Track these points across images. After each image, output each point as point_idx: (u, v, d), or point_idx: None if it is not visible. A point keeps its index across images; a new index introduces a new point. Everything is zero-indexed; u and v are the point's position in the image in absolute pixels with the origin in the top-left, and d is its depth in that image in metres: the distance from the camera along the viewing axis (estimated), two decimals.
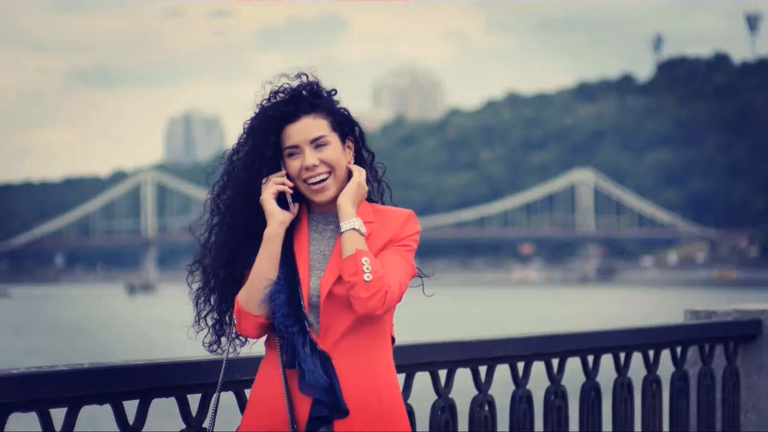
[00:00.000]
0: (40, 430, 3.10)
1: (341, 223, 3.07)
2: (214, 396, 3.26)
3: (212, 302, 3.19)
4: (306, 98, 3.16)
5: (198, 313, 3.20)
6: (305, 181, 3.14)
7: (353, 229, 3.06)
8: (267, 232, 3.11)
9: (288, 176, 3.16)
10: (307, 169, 3.12)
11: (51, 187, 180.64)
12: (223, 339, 3.21)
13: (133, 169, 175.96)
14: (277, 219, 3.11)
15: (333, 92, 3.21)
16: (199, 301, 3.19)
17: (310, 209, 3.21)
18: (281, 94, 3.16)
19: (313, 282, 3.11)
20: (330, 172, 3.14)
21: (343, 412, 3.02)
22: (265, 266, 3.09)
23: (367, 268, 3.00)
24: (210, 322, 3.20)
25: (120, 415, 3.23)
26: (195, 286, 3.20)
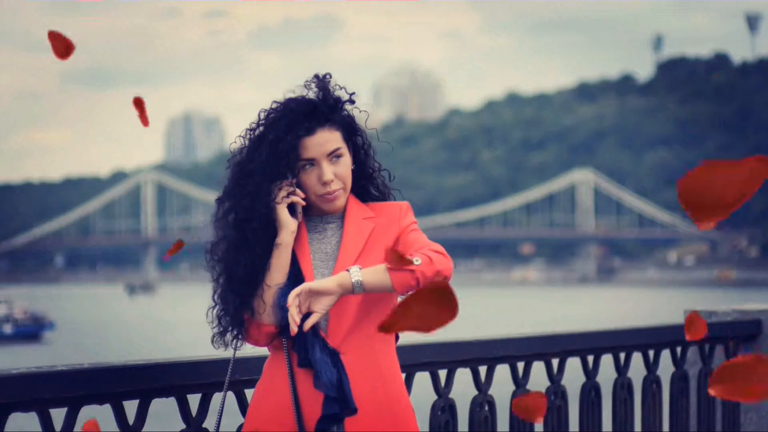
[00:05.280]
0: (40, 430, 3.10)
1: (351, 278, 3.02)
2: (221, 395, 3.26)
3: (225, 300, 3.18)
4: (322, 110, 3.17)
5: (215, 310, 3.19)
6: (319, 193, 3.17)
7: (358, 271, 3.04)
8: (279, 240, 3.14)
9: (298, 184, 3.18)
10: (324, 183, 3.15)
11: (51, 187, 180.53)
12: (227, 336, 3.21)
13: (133, 169, 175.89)
14: (289, 228, 3.15)
15: (350, 100, 3.23)
16: (216, 297, 3.19)
17: (307, 212, 3.24)
18: (299, 106, 3.16)
19: (317, 280, 3.12)
20: (343, 185, 3.19)
21: (352, 410, 3.04)
22: (276, 276, 3.12)
23: (408, 261, 3.01)
24: (220, 320, 3.19)
25: (120, 415, 3.23)
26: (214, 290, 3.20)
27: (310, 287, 3.01)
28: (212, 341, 3.18)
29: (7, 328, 47.92)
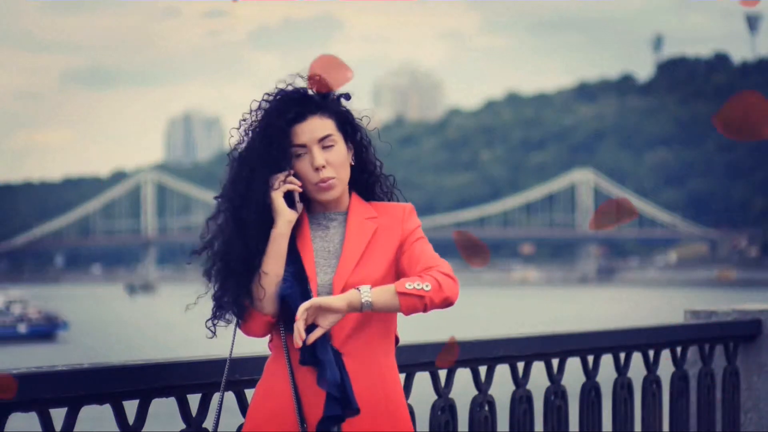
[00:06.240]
0: (40, 430, 3.10)
1: (361, 299, 3.02)
2: (217, 396, 3.26)
3: (223, 285, 3.17)
4: (313, 98, 3.18)
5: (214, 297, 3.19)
6: (314, 182, 3.16)
7: (369, 292, 3.03)
8: (275, 230, 3.14)
9: (294, 175, 3.18)
10: (317, 169, 3.14)
11: (51, 187, 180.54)
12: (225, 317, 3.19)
13: (133, 169, 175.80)
14: (285, 218, 3.14)
15: (346, 96, 3.23)
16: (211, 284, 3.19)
17: (310, 208, 3.23)
18: (290, 94, 3.18)
19: (321, 278, 3.14)
20: (337, 173, 3.17)
21: (355, 410, 3.04)
22: (272, 264, 3.12)
23: (417, 286, 3.03)
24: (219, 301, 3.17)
25: (120, 415, 3.23)
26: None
27: (320, 303, 2.99)
28: (206, 325, 3.18)
29: (22, 328, 48.20)
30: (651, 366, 4.98)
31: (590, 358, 4.68)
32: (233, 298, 3.14)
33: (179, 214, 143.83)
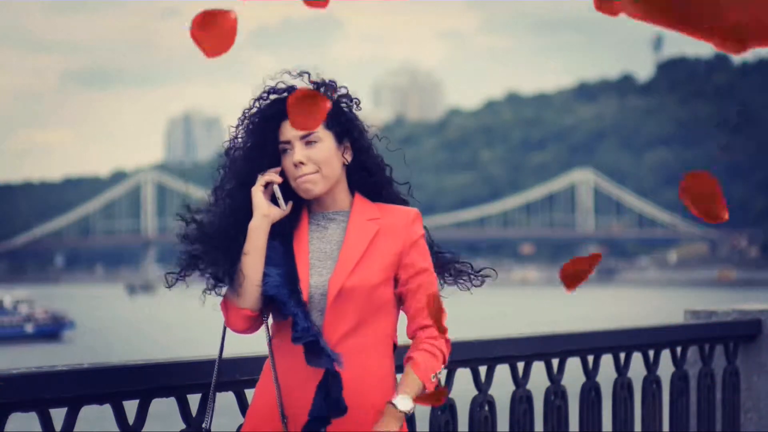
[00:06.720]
0: (40, 430, 3.10)
1: (408, 414, 3.12)
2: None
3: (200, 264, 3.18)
4: None
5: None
6: (294, 177, 3.15)
7: (411, 405, 3.10)
8: (251, 224, 3.13)
9: (283, 173, 3.18)
10: (295, 165, 3.13)
11: (51, 187, 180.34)
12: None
13: (133, 169, 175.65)
14: (261, 211, 3.14)
15: (351, 99, 3.22)
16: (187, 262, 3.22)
17: (310, 209, 3.22)
18: (279, 92, 3.17)
19: (314, 280, 3.12)
20: (318, 170, 3.14)
21: (342, 410, 3.03)
22: (249, 258, 3.11)
23: (438, 374, 3.14)
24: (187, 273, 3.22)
25: (120, 415, 3.23)
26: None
27: None
28: (165, 276, 3.21)
29: (29, 328, 48.47)
30: (651, 366, 4.98)
31: (590, 358, 4.68)
32: (210, 267, 3.14)
33: None
